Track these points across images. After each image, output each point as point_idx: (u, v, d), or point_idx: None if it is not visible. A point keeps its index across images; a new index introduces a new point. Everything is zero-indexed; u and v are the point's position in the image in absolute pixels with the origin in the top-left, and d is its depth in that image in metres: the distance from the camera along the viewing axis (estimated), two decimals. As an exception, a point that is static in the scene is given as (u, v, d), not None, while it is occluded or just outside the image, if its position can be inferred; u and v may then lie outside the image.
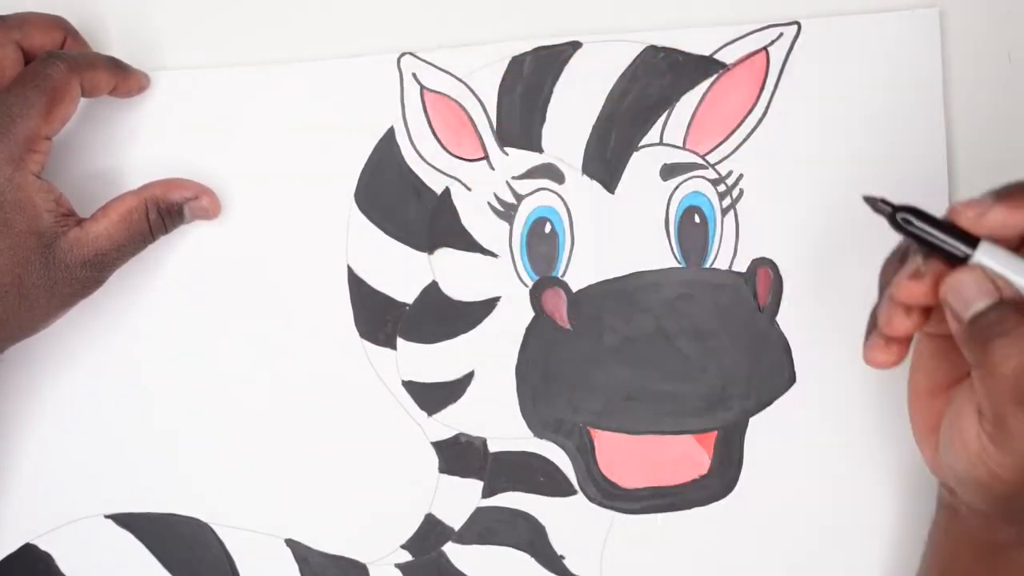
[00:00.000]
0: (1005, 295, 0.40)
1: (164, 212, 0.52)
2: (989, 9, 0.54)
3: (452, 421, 0.54)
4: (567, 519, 0.54)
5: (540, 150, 0.54)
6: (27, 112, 0.49)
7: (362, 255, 0.54)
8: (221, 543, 0.55)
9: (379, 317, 0.54)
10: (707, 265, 0.54)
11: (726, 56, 0.53)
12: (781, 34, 0.53)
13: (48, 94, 0.49)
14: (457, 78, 0.54)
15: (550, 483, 0.54)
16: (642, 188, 0.54)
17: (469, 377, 0.54)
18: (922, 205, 0.53)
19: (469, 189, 0.54)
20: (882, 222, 0.53)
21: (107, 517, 0.55)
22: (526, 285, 0.54)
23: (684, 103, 0.53)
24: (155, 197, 0.51)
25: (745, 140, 0.54)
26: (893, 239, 0.53)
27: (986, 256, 0.40)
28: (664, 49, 0.54)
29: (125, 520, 0.55)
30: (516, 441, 0.54)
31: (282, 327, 0.54)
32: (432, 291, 0.54)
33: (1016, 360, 0.39)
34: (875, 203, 0.43)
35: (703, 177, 0.54)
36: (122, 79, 0.53)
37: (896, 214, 0.42)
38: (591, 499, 0.54)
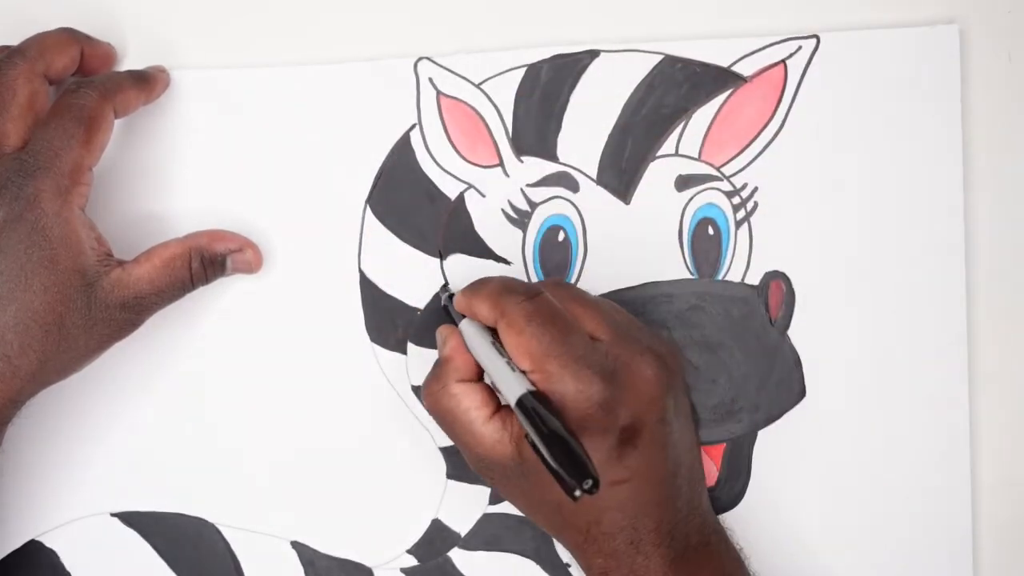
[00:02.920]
0: (442, 353, 0.50)
1: (207, 262, 0.51)
2: (1008, 27, 0.54)
3: (461, 427, 0.54)
4: (574, 528, 0.54)
5: (555, 158, 0.54)
6: (69, 144, 0.48)
7: (374, 259, 0.54)
8: (227, 544, 0.55)
9: (390, 322, 0.54)
10: (720, 277, 0.54)
11: (744, 68, 0.53)
12: (800, 47, 0.53)
13: (85, 124, 0.48)
14: (474, 84, 0.54)
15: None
16: (656, 199, 0.54)
17: (479, 384, 0.54)
18: (937, 224, 0.53)
19: (483, 195, 0.54)
20: (894, 239, 0.54)
21: (113, 515, 0.55)
22: (538, 293, 0.54)
23: (700, 114, 0.53)
24: (200, 247, 0.51)
25: (761, 153, 0.53)
26: (903, 258, 0.54)
27: (465, 324, 0.50)
28: (682, 60, 0.53)
29: (131, 518, 0.55)
30: (524, 449, 0.54)
31: (293, 330, 0.54)
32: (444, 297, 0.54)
33: (425, 404, 0.50)
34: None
35: (718, 189, 0.54)
36: (148, 90, 0.52)
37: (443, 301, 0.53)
38: (598, 508, 0.54)
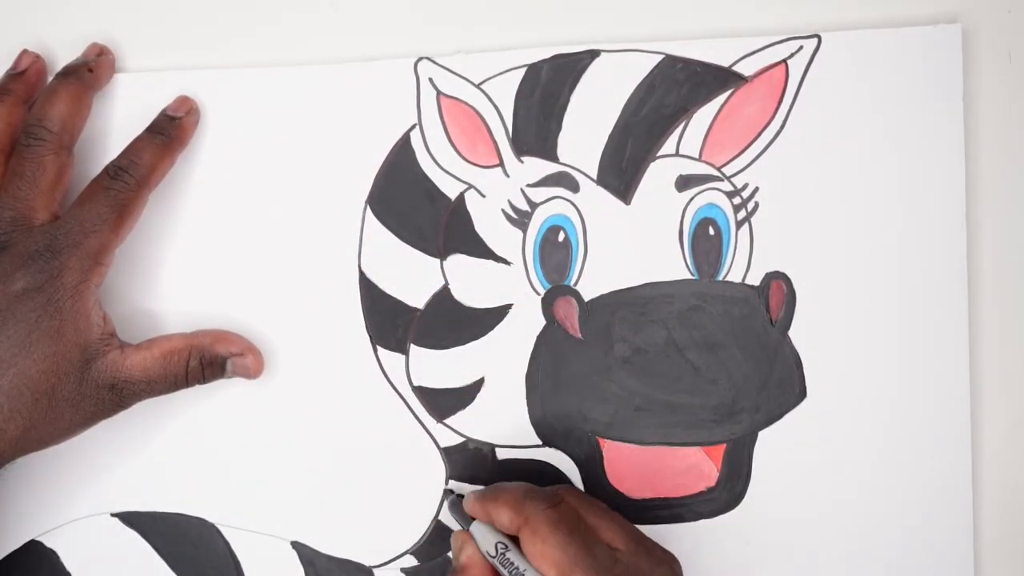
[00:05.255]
0: (458, 560, 0.50)
1: (206, 363, 0.52)
2: (1008, 27, 0.54)
3: (461, 427, 0.54)
4: (574, 528, 0.54)
5: (555, 158, 0.54)
6: (100, 227, 0.50)
7: (375, 260, 0.54)
8: (227, 544, 0.55)
9: (390, 322, 0.54)
10: (720, 277, 0.54)
11: (745, 68, 0.53)
12: (801, 47, 0.53)
13: (119, 211, 0.50)
14: (474, 84, 0.54)
15: (557, 492, 0.54)
16: (657, 199, 0.53)
17: (479, 384, 0.54)
18: (939, 224, 0.53)
19: (483, 196, 0.54)
20: (896, 239, 0.54)
21: (113, 515, 0.55)
22: (538, 293, 0.54)
23: (701, 115, 0.53)
24: (201, 346, 0.52)
25: (762, 153, 0.53)
26: (905, 259, 0.53)
27: (476, 525, 0.50)
28: (682, 60, 0.53)
29: (131, 519, 0.55)
30: (524, 449, 0.54)
31: (293, 330, 0.54)
32: (444, 297, 0.54)
33: None
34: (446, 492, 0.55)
35: (718, 189, 0.53)
36: (179, 149, 0.53)
37: (449, 501, 0.53)
38: (598, 509, 0.54)
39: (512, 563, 0.48)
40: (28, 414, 0.49)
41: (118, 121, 0.54)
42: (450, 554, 0.54)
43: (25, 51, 0.54)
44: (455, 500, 0.52)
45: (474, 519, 0.51)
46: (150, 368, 0.51)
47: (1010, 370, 0.54)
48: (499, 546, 0.49)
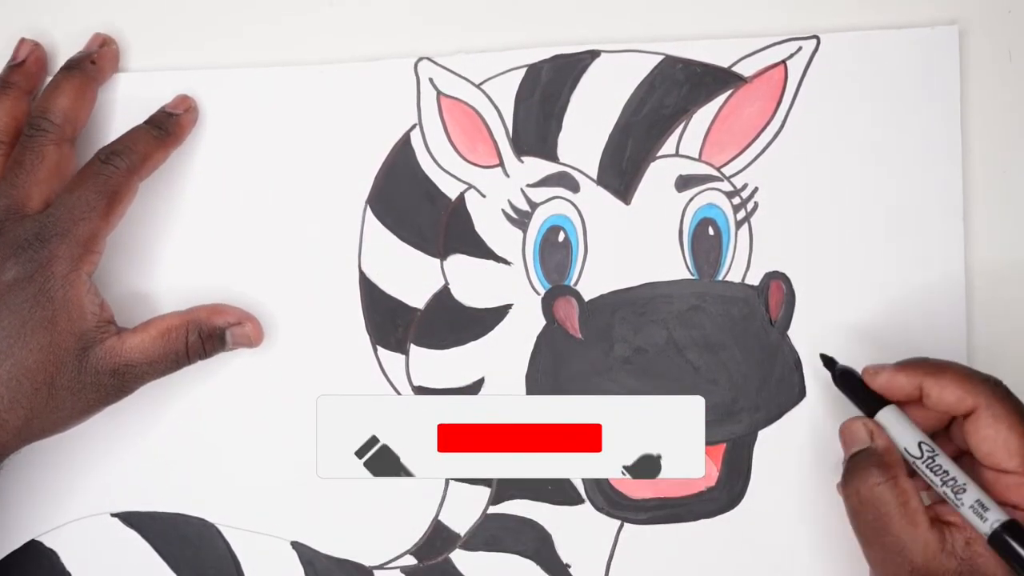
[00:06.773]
0: (875, 444, 0.47)
1: (205, 336, 0.51)
2: (1008, 27, 0.54)
3: (461, 427, 0.54)
4: (573, 528, 0.54)
5: (555, 158, 0.54)
6: (89, 215, 0.49)
7: (375, 260, 0.54)
8: (227, 544, 0.55)
9: (391, 322, 0.54)
10: (720, 277, 0.54)
11: (744, 69, 0.53)
12: (800, 48, 0.53)
13: (108, 197, 0.50)
14: (474, 84, 0.54)
15: (557, 491, 0.54)
16: (657, 199, 0.54)
17: (479, 384, 0.54)
18: (937, 224, 0.53)
19: (483, 196, 0.54)
20: (894, 239, 0.54)
21: (113, 515, 0.55)
22: (538, 293, 0.54)
23: (701, 115, 0.53)
24: (198, 320, 0.51)
25: (761, 153, 0.54)
26: (903, 259, 0.54)
27: (887, 414, 0.47)
28: (682, 60, 0.53)
29: (131, 519, 0.55)
30: (524, 449, 0.54)
31: (293, 330, 0.54)
32: (444, 297, 0.54)
33: (853, 499, 0.47)
34: (824, 359, 0.51)
35: (718, 189, 0.54)
36: (174, 144, 0.53)
37: (836, 373, 0.50)
38: (598, 508, 0.54)
39: (945, 471, 0.41)
40: (29, 404, 0.49)
41: (118, 121, 0.54)
42: (452, 556, 0.54)
43: (23, 39, 0.54)
44: (845, 373, 0.48)
45: (881, 400, 0.45)
46: (149, 349, 0.50)
47: (1007, 371, 0.54)
48: (925, 447, 0.42)
